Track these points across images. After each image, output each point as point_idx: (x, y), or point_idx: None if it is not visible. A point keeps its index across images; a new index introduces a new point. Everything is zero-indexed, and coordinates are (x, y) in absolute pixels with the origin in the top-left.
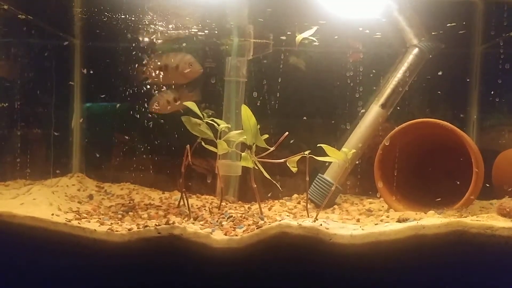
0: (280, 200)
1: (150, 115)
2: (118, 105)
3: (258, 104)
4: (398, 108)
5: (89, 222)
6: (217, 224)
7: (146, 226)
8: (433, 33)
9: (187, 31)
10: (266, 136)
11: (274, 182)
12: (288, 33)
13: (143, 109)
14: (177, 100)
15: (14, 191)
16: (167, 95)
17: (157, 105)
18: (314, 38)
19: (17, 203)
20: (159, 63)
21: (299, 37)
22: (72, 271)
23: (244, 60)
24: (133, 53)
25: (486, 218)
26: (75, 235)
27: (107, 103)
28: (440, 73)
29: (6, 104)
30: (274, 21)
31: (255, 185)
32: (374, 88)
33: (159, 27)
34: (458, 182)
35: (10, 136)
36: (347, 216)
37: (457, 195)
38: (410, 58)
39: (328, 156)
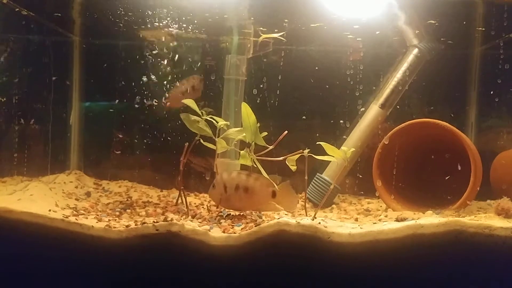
0: None
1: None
2: (116, 101)
3: (258, 101)
4: (398, 107)
5: (87, 218)
6: (215, 221)
7: (144, 223)
8: (434, 34)
9: (187, 29)
10: (265, 133)
11: (272, 181)
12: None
13: (142, 107)
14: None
15: (11, 187)
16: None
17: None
18: (282, 38)
19: (14, 199)
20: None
21: (263, 36)
22: (69, 267)
23: (244, 58)
24: (132, 50)
25: (484, 218)
26: (72, 231)
27: (105, 101)
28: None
29: (4, 99)
30: (275, 20)
31: None
32: (374, 87)
33: (160, 25)
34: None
35: (8, 132)
36: (345, 215)
37: (455, 195)
38: (410, 58)
39: (327, 154)
